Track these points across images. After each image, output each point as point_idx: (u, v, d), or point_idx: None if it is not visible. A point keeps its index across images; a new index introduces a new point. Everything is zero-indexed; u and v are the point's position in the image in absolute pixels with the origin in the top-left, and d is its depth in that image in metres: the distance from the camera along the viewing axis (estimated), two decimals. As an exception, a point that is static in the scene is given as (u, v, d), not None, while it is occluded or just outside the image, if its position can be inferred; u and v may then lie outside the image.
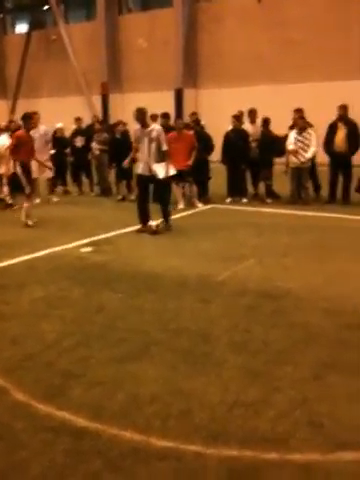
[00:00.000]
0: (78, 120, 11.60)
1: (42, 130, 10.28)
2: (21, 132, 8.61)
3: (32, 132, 10.02)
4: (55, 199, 10.76)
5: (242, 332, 4.11)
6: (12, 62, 24.48)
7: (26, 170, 8.30)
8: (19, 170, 8.29)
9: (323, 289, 5.09)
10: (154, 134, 7.46)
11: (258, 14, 17.81)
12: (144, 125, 7.48)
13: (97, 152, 10.99)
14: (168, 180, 7.92)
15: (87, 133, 11.39)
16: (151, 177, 7.55)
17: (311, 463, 2.57)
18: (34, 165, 9.53)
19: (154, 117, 10.28)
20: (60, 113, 18.14)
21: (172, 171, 7.92)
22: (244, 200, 10.18)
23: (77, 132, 11.44)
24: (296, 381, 3.35)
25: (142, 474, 2.50)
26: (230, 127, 10.35)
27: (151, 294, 5.01)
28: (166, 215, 7.91)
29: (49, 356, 3.72)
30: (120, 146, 10.13)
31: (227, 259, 6.17)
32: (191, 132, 9.91)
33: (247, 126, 10.36)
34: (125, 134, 10.52)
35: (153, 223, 7.58)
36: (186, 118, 13.69)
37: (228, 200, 10.18)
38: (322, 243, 6.92)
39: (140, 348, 3.83)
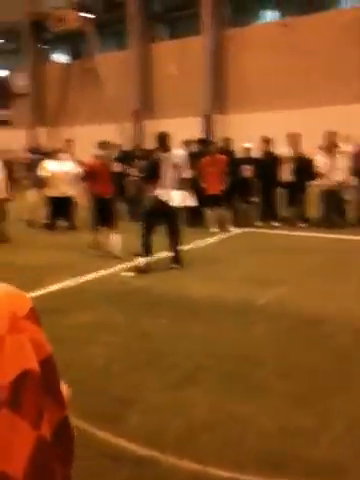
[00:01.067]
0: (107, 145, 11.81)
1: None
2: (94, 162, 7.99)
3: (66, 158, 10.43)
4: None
5: (288, 357, 4.10)
6: (52, 91, 25.23)
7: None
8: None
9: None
10: (176, 159, 7.06)
11: (283, 39, 18.04)
12: (165, 149, 7.01)
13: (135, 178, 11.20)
14: (180, 212, 7.36)
15: (123, 159, 11.60)
16: (166, 204, 6.94)
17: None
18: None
19: (188, 143, 10.42)
20: (95, 140, 18.55)
21: (189, 201, 7.43)
22: (276, 224, 10.17)
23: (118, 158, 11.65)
24: (348, 406, 3.31)
25: (205, 503, 2.49)
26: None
27: (194, 319, 5.03)
28: (177, 250, 7.19)
29: (101, 382, 3.77)
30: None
31: (264, 283, 6.18)
32: (224, 156, 10.02)
33: (282, 150, 10.39)
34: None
35: (142, 260, 6.95)
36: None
37: (259, 223, 10.19)
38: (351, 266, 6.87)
39: (189, 374, 3.84)
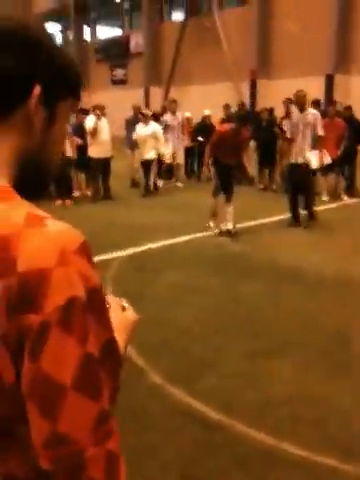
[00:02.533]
0: (226, 107, 11.65)
1: (180, 117, 10.69)
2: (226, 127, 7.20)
3: (171, 119, 10.38)
4: (180, 184, 10.99)
5: (387, 339, 3.80)
6: (168, 50, 25.26)
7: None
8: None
9: None
10: (310, 118, 7.09)
11: None
12: (302, 109, 7.11)
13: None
14: (315, 170, 7.55)
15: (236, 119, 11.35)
16: (302, 165, 7.15)
17: None
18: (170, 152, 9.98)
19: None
20: (209, 100, 18.40)
21: (327, 160, 7.58)
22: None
23: (225, 119, 11.46)
24: None
25: (271, 478, 2.41)
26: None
27: (289, 289, 4.85)
28: (310, 207, 7.49)
29: (183, 342, 3.78)
30: (265, 134, 10.06)
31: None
32: (342, 121, 9.36)
33: None
34: (270, 122, 10.33)
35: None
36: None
37: None
38: None
39: (276, 345, 3.72)
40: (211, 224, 7.06)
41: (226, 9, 23.15)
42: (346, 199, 9.20)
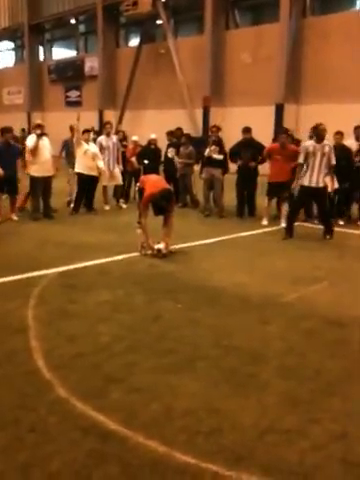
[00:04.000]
0: (170, 134, 11.90)
1: (115, 139, 10.90)
2: None
3: (105, 140, 10.58)
4: (124, 205, 11.12)
5: (295, 357, 3.96)
6: (123, 75, 25.64)
7: None
8: None
9: (395, 321, 4.75)
10: (327, 149, 8.11)
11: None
12: (321, 141, 8.10)
13: (178, 165, 11.19)
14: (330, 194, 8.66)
15: (179, 145, 11.62)
16: (318, 189, 8.19)
17: (333, 504, 2.41)
18: (106, 173, 10.22)
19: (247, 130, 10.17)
20: (163, 125, 18.71)
21: (336, 185, 8.73)
22: (341, 222, 9.65)
23: (170, 144, 11.71)
24: (341, 415, 3.16)
25: (156, 486, 2.49)
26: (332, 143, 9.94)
27: (211, 308, 4.99)
28: (330, 226, 8.41)
29: (98, 358, 3.84)
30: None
31: (299, 280, 5.98)
32: (295, 147, 9.69)
33: (350, 143, 9.89)
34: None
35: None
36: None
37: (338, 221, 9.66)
38: None
39: (186, 361, 3.82)
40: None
41: (181, 38, 23.81)
42: (283, 224, 9.46)
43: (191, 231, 8.73)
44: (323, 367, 3.78)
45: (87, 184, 10.09)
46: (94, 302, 5.10)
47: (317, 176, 8.15)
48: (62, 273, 6.01)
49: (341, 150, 9.40)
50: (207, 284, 5.74)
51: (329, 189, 8.49)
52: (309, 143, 8.32)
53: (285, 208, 9.57)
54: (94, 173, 10.05)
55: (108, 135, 10.84)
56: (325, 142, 8.20)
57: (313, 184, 8.19)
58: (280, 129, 13.39)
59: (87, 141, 10.11)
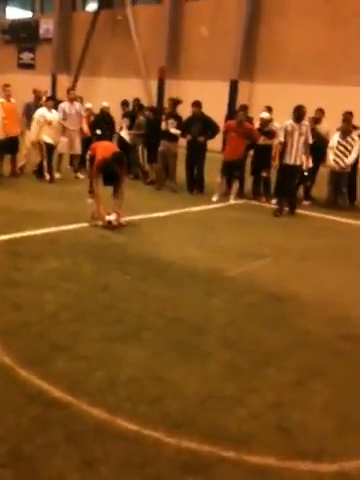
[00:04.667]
0: (125, 105, 11.70)
1: (78, 106, 10.66)
2: None
3: (68, 107, 10.35)
4: (81, 176, 10.88)
5: (237, 329, 4.10)
6: (78, 39, 24.82)
7: None
8: None
9: (333, 296, 5.00)
10: (304, 129, 8.47)
11: (322, 10, 17.33)
12: (299, 120, 8.44)
13: (127, 137, 11.11)
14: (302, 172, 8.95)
15: (133, 115, 11.48)
16: (296, 167, 8.57)
17: (265, 467, 2.57)
18: (63, 141, 10.08)
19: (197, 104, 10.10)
20: (118, 93, 18.36)
21: (310, 164, 9.02)
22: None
23: (125, 114, 11.53)
24: (276, 384, 3.33)
25: (98, 451, 2.56)
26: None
27: (158, 280, 5.06)
28: (295, 203, 8.92)
29: (44, 326, 3.84)
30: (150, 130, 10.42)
31: (244, 256, 6.14)
32: (250, 125, 9.75)
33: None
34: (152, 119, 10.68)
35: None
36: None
37: (274, 201, 9.87)
38: (345, 250, 6.78)
39: (132, 331, 3.89)
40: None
41: (140, 5, 23.23)
42: (233, 201, 9.62)
43: (142, 204, 8.72)
44: (262, 339, 3.94)
45: (52, 152, 10.06)
46: (41, 270, 5.05)
47: (295, 154, 8.50)
48: (8, 241, 5.90)
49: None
50: (156, 256, 5.79)
51: (304, 167, 8.81)
52: (288, 122, 8.56)
53: (236, 185, 9.72)
54: (54, 142, 10.03)
55: (71, 102, 10.55)
56: (303, 122, 8.50)
57: (291, 162, 8.54)
58: (233, 106, 13.49)
59: (50, 109, 9.94)
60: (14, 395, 2.96)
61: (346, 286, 5.35)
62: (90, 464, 2.46)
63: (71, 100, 10.57)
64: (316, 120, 9.81)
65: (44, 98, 10.74)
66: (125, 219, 7.22)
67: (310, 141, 8.61)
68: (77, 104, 10.74)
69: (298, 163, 8.64)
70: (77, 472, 2.41)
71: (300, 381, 3.38)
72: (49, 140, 9.92)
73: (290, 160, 8.57)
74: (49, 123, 9.86)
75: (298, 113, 8.48)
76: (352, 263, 6.20)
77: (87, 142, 11.11)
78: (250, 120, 10.89)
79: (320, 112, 10.03)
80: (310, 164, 9.07)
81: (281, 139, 8.62)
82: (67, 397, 2.98)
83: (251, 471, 2.53)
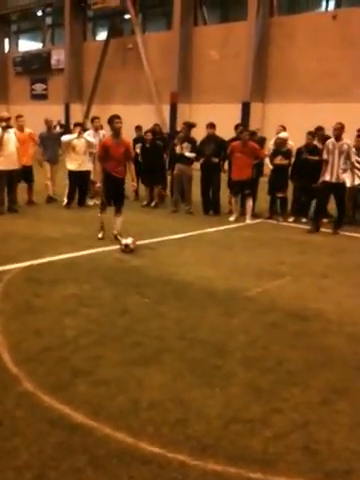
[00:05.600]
0: (138, 129, 11.84)
1: (102, 135, 10.68)
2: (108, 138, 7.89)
3: (93, 135, 10.44)
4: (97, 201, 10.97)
5: (258, 349, 4.06)
6: (90, 68, 25.40)
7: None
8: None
9: (355, 314, 4.93)
10: (345, 147, 8.62)
11: (331, 31, 17.52)
12: (338, 139, 8.63)
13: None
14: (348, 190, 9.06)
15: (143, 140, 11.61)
16: (336, 184, 8.69)
17: (294, 488, 2.51)
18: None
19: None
20: (130, 119, 18.66)
21: (357, 181, 9.25)
22: (304, 220, 9.78)
23: (137, 139, 11.67)
24: (301, 404, 3.28)
25: (123, 476, 2.54)
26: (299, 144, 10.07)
27: (177, 302, 5.05)
28: (341, 222, 8.97)
29: (65, 351, 3.85)
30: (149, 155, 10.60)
31: (263, 275, 6.11)
32: (254, 143, 9.80)
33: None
34: (154, 143, 10.79)
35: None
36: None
37: (291, 219, 9.82)
38: (365, 267, 6.70)
39: (152, 354, 3.88)
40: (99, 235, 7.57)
41: (150, 32, 23.75)
42: (249, 220, 9.62)
43: (158, 226, 8.77)
44: (284, 358, 3.90)
45: (78, 180, 10.17)
46: (60, 296, 5.09)
47: (336, 172, 8.63)
48: (27, 267, 5.96)
49: (311, 150, 9.61)
50: (173, 278, 5.80)
51: (347, 184, 8.91)
52: (329, 141, 8.80)
53: (249, 204, 9.74)
54: (84, 168, 10.13)
55: (96, 130, 10.72)
56: (344, 140, 8.66)
57: (331, 180, 8.67)
58: (246, 128, 13.52)
59: (79, 135, 10.11)
60: (37, 421, 2.96)
61: (367, 302, 5.28)
62: (115, 489, 2.44)
63: (96, 128, 10.71)
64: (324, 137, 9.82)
65: (72, 126, 10.91)
66: (142, 242, 7.26)
67: (352, 159, 8.75)
68: (102, 133, 10.84)
69: (340, 181, 8.72)
70: (102, 498, 2.39)
71: (325, 400, 3.33)
72: (72, 167, 10.08)
73: (332, 178, 8.67)
74: (73, 148, 10.00)
75: (333, 132, 8.70)
76: (372, 279, 6.13)
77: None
78: (263, 140, 10.97)
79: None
80: (356, 182, 9.21)
81: (324, 157, 8.76)
82: (90, 422, 2.97)
83: (279, 493, 2.48)
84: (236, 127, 10.52)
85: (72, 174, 10.13)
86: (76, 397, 3.22)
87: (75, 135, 10.09)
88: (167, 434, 2.91)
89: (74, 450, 2.71)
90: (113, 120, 7.41)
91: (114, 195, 7.52)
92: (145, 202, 11.05)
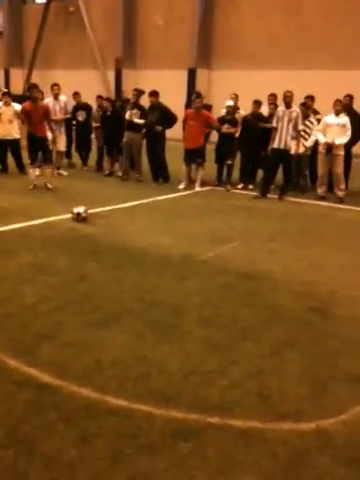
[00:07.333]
0: (77, 95, 11.61)
1: (62, 102, 10.57)
2: (27, 103, 8.87)
3: (53, 103, 10.23)
4: (64, 173, 10.86)
5: (212, 308, 4.29)
6: (30, 32, 24.46)
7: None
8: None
9: (301, 274, 5.25)
10: (294, 115, 8.88)
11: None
12: (288, 106, 8.89)
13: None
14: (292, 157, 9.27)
15: (87, 108, 11.48)
16: (284, 151, 8.92)
17: (249, 429, 2.76)
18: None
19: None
20: (74, 85, 18.26)
21: (302, 149, 9.44)
22: (251, 186, 10.07)
23: (78, 107, 11.50)
24: (254, 356, 3.53)
25: (92, 427, 2.70)
26: (247, 112, 10.25)
27: (134, 268, 5.20)
28: (286, 188, 9.26)
29: (26, 318, 3.93)
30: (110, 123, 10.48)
31: (214, 240, 6.33)
32: (207, 112, 9.89)
33: (263, 109, 10.23)
34: (115, 111, 10.66)
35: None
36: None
37: (240, 186, 10.08)
38: (310, 230, 7.07)
39: (113, 316, 4.02)
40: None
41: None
42: (198, 188, 9.80)
43: (109, 195, 8.82)
44: (237, 316, 4.15)
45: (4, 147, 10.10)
46: (16, 265, 5.11)
47: (285, 139, 8.87)
48: (-20, 238, 5.92)
49: (257, 118, 9.84)
50: (128, 245, 5.92)
51: (292, 151, 9.08)
52: (279, 108, 9.06)
53: (200, 173, 9.91)
54: (8, 137, 10.00)
55: (55, 98, 10.42)
56: (293, 108, 8.92)
57: (281, 146, 8.91)
58: (192, 94, 13.59)
59: (7, 104, 9.97)
60: (5, 383, 3.06)
61: (311, 264, 5.62)
62: (85, 439, 2.60)
63: (56, 96, 10.43)
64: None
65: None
66: (94, 211, 7.31)
67: (299, 127, 8.97)
68: (62, 100, 10.61)
69: (286, 147, 8.95)
70: (74, 447, 2.54)
71: (275, 352, 3.60)
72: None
73: (280, 145, 8.90)
74: None
75: (284, 99, 8.92)
76: (317, 242, 6.49)
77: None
78: (209, 107, 11.09)
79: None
80: (300, 150, 9.40)
81: (274, 124, 8.96)
82: (56, 381, 3.10)
83: (236, 434, 2.72)
84: (197, 96, 10.42)
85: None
86: (41, 359, 3.34)
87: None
88: (131, 388, 3.09)
89: (43, 407, 2.84)
90: (32, 90, 8.94)
91: (38, 150, 9.00)
92: (107, 171, 10.95)
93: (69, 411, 2.82)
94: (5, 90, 11.45)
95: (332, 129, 8.94)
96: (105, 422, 2.74)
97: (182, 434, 2.68)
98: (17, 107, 9.92)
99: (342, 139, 8.92)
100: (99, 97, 11.58)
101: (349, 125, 8.92)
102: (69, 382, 3.09)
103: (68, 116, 10.82)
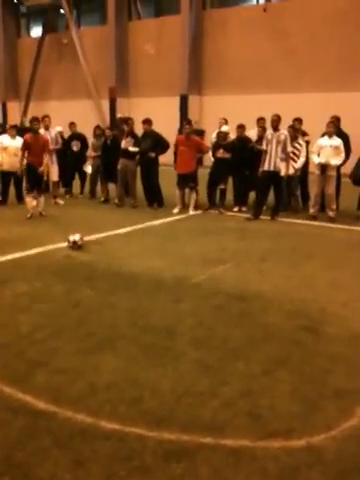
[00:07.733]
0: (72, 125, 11.84)
1: (53, 133, 10.75)
2: (28, 135, 9.21)
3: (44, 133, 10.43)
4: (61, 202, 11.00)
5: (205, 330, 4.37)
6: (25, 64, 24.97)
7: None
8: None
9: (292, 293, 5.34)
10: (282, 137, 9.05)
11: (262, 24, 18.11)
12: (276, 129, 9.07)
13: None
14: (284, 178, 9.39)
15: (81, 138, 11.69)
16: (274, 173, 9.08)
17: (241, 448, 2.82)
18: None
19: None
20: (69, 116, 18.58)
21: (291, 170, 9.54)
22: (244, 208, 10.19)
23: (73, 137, 11.71)
24: (245, 376, 3.60)
25: (86, 451, 2.76)
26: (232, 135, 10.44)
27: (127, 292, 5.28)
28: (278, 209, 9.44)
29: (21, 346, 4.00)
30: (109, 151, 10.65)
31: (207, 262, 6.43)
32: (197, 137, 10.07)
33: (252, 133, 10.41)
34: (114, 139, 10.84)
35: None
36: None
37: (235, 209, 10.21)
38: (301, 249, 7.18)
39: (106, 341, 4.09)
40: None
41: (84, 27, 23.60)
42: (192, 212, 9.95)
43: (105, 221, 8.95)
44: (229, 336, 4.22)
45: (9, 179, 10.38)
46: (12, 294, 5.20)
47: (274, 161, 9.05)
48: (-23, 268, 6.02)
49: (244, 142, 10.04)
50: (122, 270, 6.02)
51: (282, 173, 9.18)
52: (268, 132, 9.26)
53: (193, 197, 10.06)
54: (15, 170, 10.13)
55: (46, 128, 10.63)
56: (281, 131, 9.10)
57: (271, 168, 9.07)
58: (184, 120, 13.87)
59: (13, 137, 10.24)
60: (0, 410, 3.12)
61: (302, 282, 5.71)
62: (80, 463, 2.66)
63: (46, 127, 10.64)
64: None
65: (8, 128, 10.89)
66: (90, 238, 7.42)
67: (288, 149, 9.15)
68: (53, 131, 10.83)
69: (276, 169, 9.09)
70: (69, 472, 2.60)
71: (266, 371, 3.67)
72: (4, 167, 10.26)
73: (270, 167, 9.05)
74: (5, 149, 10.09)
75: (271, 123, 9.11)
76: (307, 261, 6.59)
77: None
78: (202, 133, 11.31)
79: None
80: (290, 171, 9.52)
81: (263, 147, 9.12)
82: (51, 407, 3.16)
83: (227, 453, 2.77)
84: (187, 123, 10.59)
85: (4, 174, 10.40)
86: (36, 386, 3.40)
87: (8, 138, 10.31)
88: (124, 411, 3.15)
89: (38, 433, 2.90)
90: (32, 122, 9.27)
91: (36, 180, 9.23)
92: (103, 198, 11.12)
93: (64, 436, 2.88)
94: (13, 124, 11.67)
95: (325, 150, 9.10)
96: (99, 446, 2.80)
97: (175, 455, 2.74)
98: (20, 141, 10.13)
99: (337, 160, 9.07)
100: (97, 127, 11.79)
101: (342, 147, 9.09)
102: (64, 408, 3.15)
103: (57, 147, 10.98)
